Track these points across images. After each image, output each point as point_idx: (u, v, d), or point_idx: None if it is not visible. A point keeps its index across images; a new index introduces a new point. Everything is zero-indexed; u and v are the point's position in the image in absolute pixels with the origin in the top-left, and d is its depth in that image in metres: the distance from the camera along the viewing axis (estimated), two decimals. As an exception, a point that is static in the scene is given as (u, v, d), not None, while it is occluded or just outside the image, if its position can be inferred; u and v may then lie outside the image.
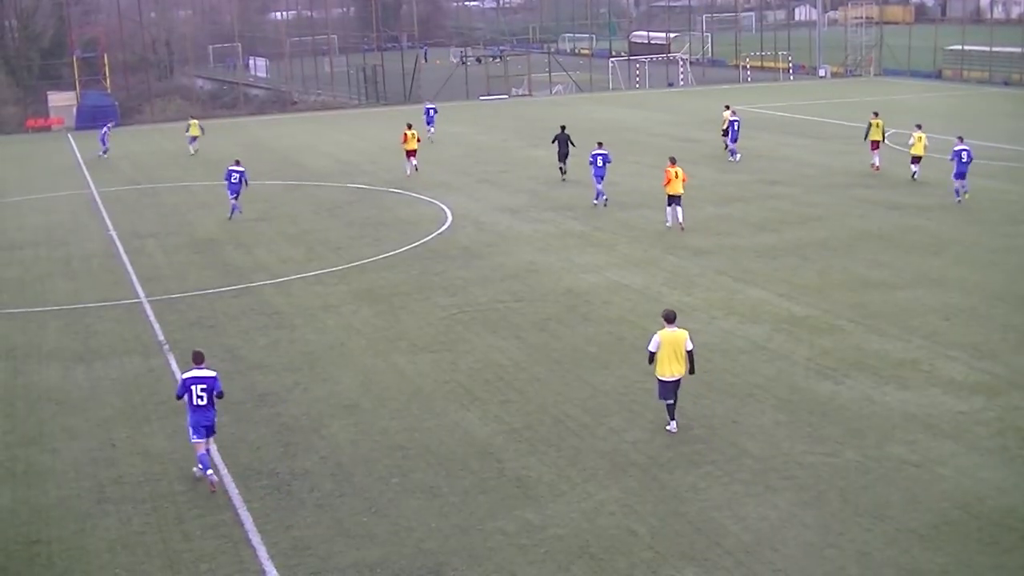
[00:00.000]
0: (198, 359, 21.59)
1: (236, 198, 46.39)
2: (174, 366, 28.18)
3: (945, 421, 23.22)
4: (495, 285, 34.65)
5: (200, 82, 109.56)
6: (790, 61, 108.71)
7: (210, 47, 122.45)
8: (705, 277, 34.87)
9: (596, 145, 47.50)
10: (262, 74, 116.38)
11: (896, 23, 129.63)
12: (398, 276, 36.11)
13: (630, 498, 20.13)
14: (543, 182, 52.63)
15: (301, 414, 24.75)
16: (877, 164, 53.14)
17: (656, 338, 22.66)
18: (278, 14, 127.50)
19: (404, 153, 56.16)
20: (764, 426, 23.20)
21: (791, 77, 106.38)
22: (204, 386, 21.18)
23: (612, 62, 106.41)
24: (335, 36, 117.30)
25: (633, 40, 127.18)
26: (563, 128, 53.63)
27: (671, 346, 22.53)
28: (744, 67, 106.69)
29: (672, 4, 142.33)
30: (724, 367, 26.78)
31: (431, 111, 70.57)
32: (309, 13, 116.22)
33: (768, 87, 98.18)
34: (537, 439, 22.90)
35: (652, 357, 22.72)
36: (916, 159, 49.72)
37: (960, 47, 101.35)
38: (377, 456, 22.37)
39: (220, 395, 21.50)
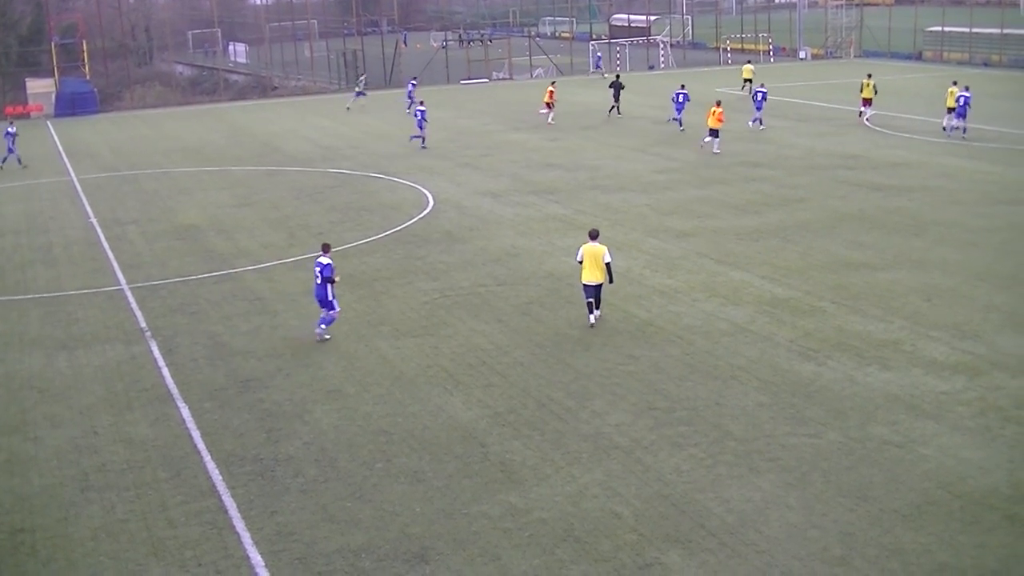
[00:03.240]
0: (325, 249, 28.67)
1: (422, 130, 59.24)
2: (156, 353, 28.13)
3: (927, 401, 23.30)
4: (477, 269, 34.64)
5: (180, 68, 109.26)
6: (770, 43, 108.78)
7: (189, 33, 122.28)
8: (687, 260, 34.92)
9: (680, 86, 62.74)
10: (242, 60, 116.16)
11: (876, 4, 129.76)
12: (380, 261, 36.07)
13: (614, 481, 20.17)
14: (524, 166, 52.61)
15: (284, 400, 24.72)
16: (867, 116, 61.68)
17: (580, 250, 28.53)
18: (257, 0, 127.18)
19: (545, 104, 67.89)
20: (747, 408, 23.25)
21: (771, 59, 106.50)
22: (319, 269, 28.12)
23: (593, 45, 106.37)
24: (315, 21, 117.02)
25: (613, 23, 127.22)
26: (617, 76, 72.45)
27: (591, 257, 28.14)
28: (725, 49, 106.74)
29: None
30: (706, 349, 26.82)
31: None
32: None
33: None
34: (520, 423, 22.92)
35: (581, 264, 28.36)
36: (949, 110, 57.16)
37: (940, 28, 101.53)
38: (361, 441, 22.37)
39: (330, 279, 28.13)
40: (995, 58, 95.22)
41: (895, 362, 25.58)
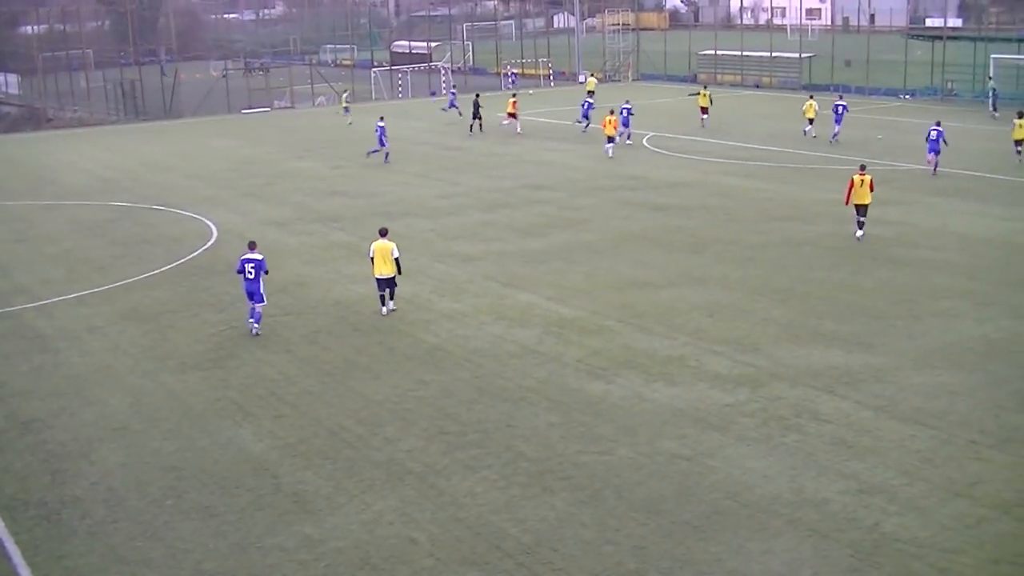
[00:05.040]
0: (252, 246, 30.74)
1: (384, 146, 60.95)
2: (-70, 397, 27.06)
3: (713, 414, 23.87)
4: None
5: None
6: (550, 67, 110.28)
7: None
8: (473, 283, 35.13)
9: (624, 101, 67.47)
10: (13, 90, 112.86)
11: (652, 29, 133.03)
12: (165, 294, 35.41)
13: (408, 506, 20.15)
14: (309, 194, 52.27)
15: (69, 440, 24.06)
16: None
17: (372, 247, 31.67)
18: (29, 28, 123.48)
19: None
20: (538, 428, 23.47)
21: (552, 83, 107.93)
22: (253, 265, 30.17)
23: (374, 72, 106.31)
24: (90, 50, 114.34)
25: (395, 50, 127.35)
26: (477, 95, 75.15)
27: (381, 253, 31.36)
28: (506, 74, 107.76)
29: (432, 13, 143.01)
30: (496, 371, 27.00)
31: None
32: (62, 27, 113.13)
33: (530, 94, 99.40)
34: (312, 452, 22.74)
35: (372, 261, 31.59)
36: (809, 120, 64.69)
37: (713, 52, 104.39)
38: (150, 478, 21.91)
39: (266, 272, 30.58)
40: (765, 80, 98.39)
41: (681, 377, 26.14)
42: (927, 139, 51.85)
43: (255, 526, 19.70)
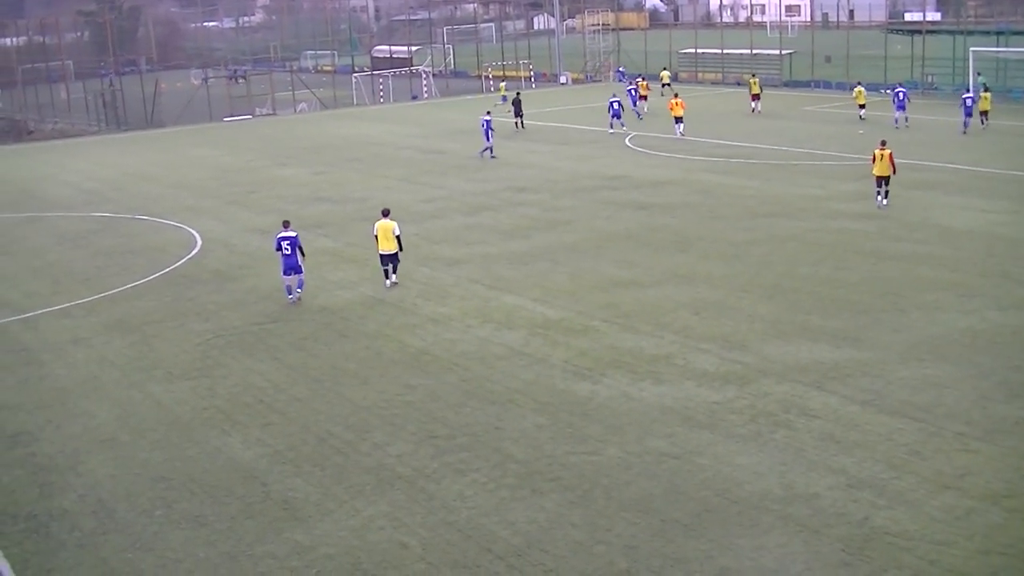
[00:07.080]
0: (286, 224, 34.01)
1: (489, 141, 61.55)
2: (-83, 412, 26.96)
3: (701, 412, 23.87)
4: (249, 307, 34.21)
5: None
6: (531, 69, 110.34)
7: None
8: (459, 287, 35.11)
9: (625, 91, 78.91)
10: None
11: (632, 29, 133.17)
12: (150, 304, 35.34)
13: (398, 511, 20.13)
14: (292, 201, 52.20)
15: (56, 452, 23.99)
16: (757, 109, 76.27)
17: (376, 226, 34.80)
18: (7, 40, 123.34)
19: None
20: (526, 430, 23.46)
21: (533, 85, 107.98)
22: (288, 242, 33.24)
23: (355, 77, 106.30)
24: (70, 62, 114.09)
25: (375, 55, 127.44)
26: (518, 94, 79.57)
27: (383, 231, 34.49)
28: (487, 77, 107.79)
29: (412, 18, 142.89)
30: (483, 374, 26.99)
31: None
32: (41, 38, 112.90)
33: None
34: (301, 459, 22.70)
35: (377, 239, 34.72)
36: (861, 106, 70.30)
37: (694, 50, 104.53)
38: (139, 489, 21.85)
39: (300, 248, 33.61)
40: (747, 77, 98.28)
41: (668, 376, 26.14)
42: (962, 105, 62.58)
43: (245, 534, 19.67)
